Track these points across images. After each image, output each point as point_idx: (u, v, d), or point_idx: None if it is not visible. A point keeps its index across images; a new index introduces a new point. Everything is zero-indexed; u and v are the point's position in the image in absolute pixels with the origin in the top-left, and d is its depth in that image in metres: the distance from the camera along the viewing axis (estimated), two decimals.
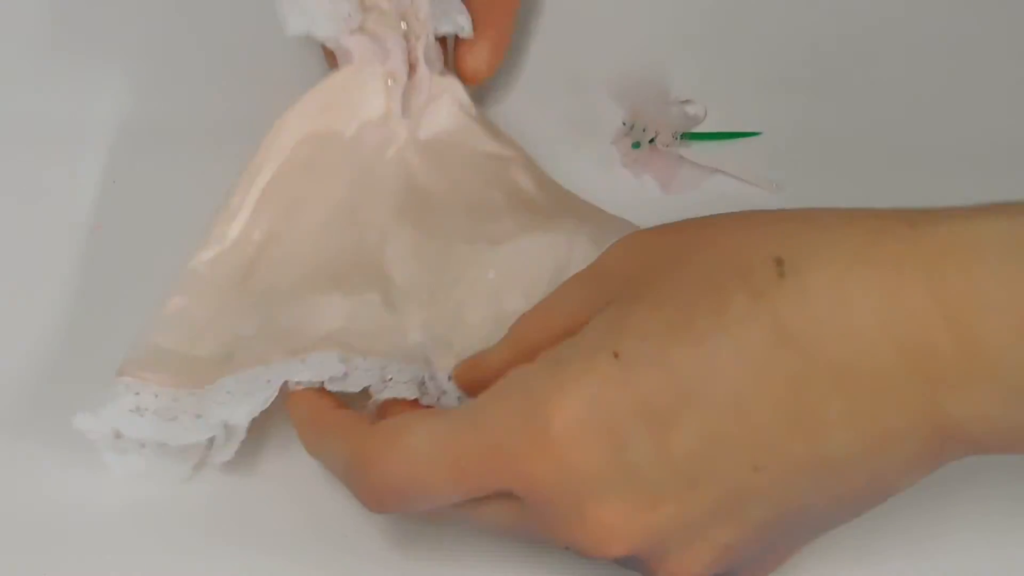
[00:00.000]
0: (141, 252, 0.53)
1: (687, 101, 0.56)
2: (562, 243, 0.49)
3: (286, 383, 0.46)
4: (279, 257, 0.49)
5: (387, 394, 0.45)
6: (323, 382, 0.45)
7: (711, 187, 0.55)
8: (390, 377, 0.46)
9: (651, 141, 0.55)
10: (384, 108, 0.52)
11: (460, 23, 0.53)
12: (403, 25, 0.52)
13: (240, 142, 0.56)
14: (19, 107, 0.58)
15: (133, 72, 0.58)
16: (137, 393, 0.46)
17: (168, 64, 0.59)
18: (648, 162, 0.55)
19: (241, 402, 0.45)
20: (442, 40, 0.54)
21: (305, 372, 0.45)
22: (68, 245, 0.54)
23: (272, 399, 0.45)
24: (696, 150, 0.55)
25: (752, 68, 0.56)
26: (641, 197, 0.54)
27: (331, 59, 0.53)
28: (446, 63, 0.54)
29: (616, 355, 0.38)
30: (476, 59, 0.54)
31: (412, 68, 0.52)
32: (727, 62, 0.56)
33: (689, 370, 0.37)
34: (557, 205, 0.51)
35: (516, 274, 0.48)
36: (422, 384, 0.46)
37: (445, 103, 0.53)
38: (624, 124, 0.56)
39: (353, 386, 0.45)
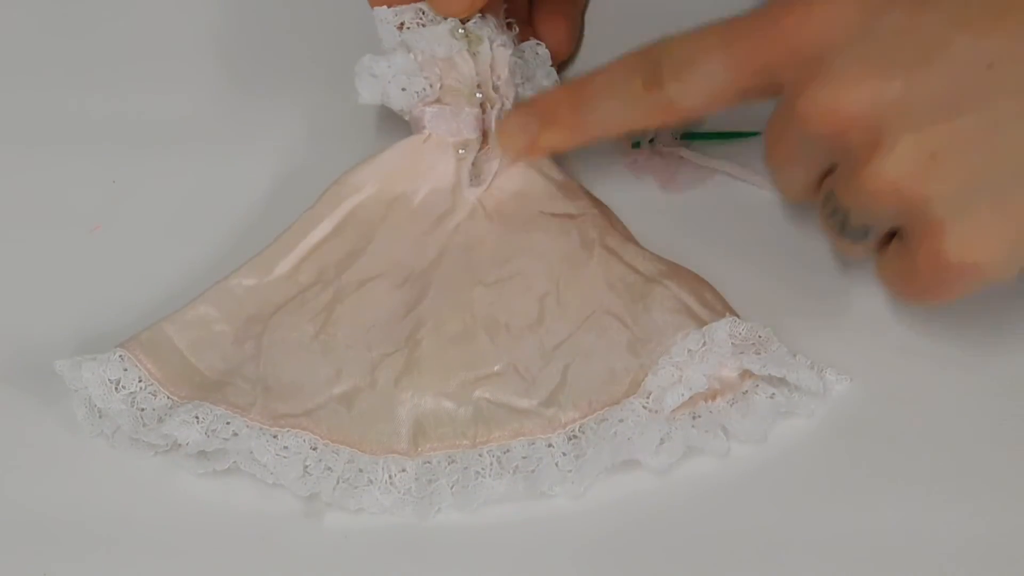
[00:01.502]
0: (141, 252, 0.54)
1: None
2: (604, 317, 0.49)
3: None
4: (316, 304, 0.50)
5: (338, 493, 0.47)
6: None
7: (711, 187, 0.55)
8: (347, 478, 0.47)
9: (651, 141, 0.55)
10: (453, 177, 0.52)
11: (545, 86, 0.53)
12: (478, 94, 0.52)
13: (240, 142, 0.56)
14: (19, 107, 0.58)
15: (133, 72, 0.59)
16: (125, 369, 0.47)
17: (168, 64, 0.59)
18: (648, 162, 0.55)
19: (199, 434, 0.46)
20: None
21: (268, 451, 0.46)
22: (68, 245, 0.54)
23: (225, 464, 0.47)
24: (696, 150, 0.55)
25: None
26: (641, 197, 0.54)
27: None
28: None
29: None
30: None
31: (486, 137, 0.52)
32: None
33: None
34: (611, 269, 0.51)
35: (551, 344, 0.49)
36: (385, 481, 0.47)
37: (519, 169, 0.52)
38: None
39: (302, 490, 0.47)
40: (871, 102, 0.41)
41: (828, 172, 0.44)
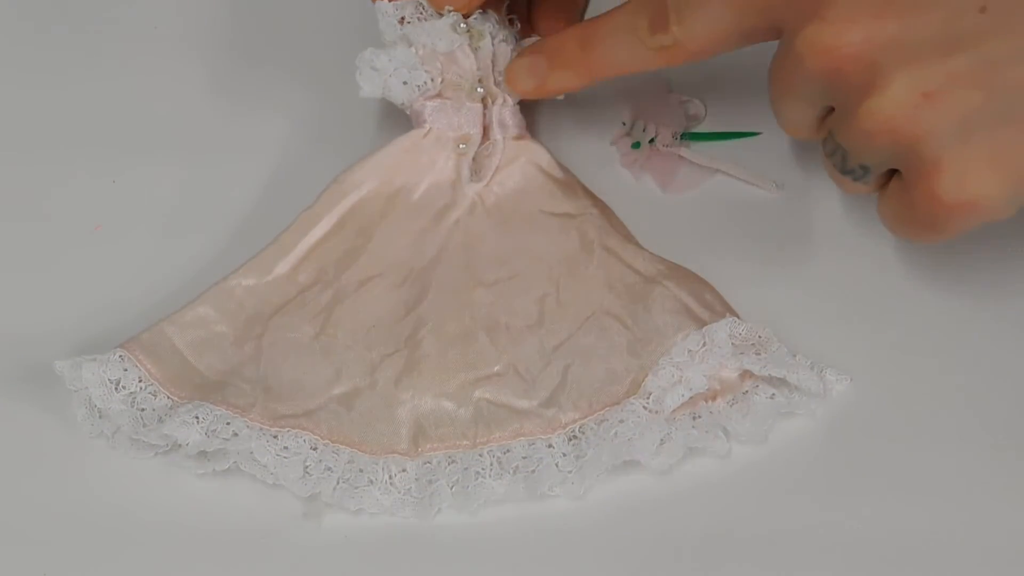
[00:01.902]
0: (141, 252, 0.54)
1: (687, 101, 0.56)
2: (600, 315, 0.49)
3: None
4: (316, 305, 0.50)
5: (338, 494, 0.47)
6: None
7: (711, 187, 0.54)
8: (347, 478, 0.47)
9: (651, 141, 0.55)
10: (453, 172, 0.52)
11: None
12: (480, 89, 0.52)
13: (240, 143, 0.56)
14: (19, 107, 0.58)
15: (133, 72, 0.59)
16: (125, 370, 0.47)
17: (168, 64, 0.59)
18: (648, 162, 0.55)
19: (198, 434, 0.46)
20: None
21: (269, 452, 0.46)
22: (68, 245, 0.54)
23: (225, 464, 0.47)
24: (696, 150, 0.55)
25: (752, 68, 0.56)
26: (641, 197, 0.54)
27: None
28: (529, 127, 0.54)
29: None
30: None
31: (486, 132, 0.52)
32: (727, 62, 0.56)
33: None
34: (611, 269, 0.51)
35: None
36: (386, 482, 0.47)
37: (520, 166, 0.52)
38: (624, 124, 0.56)
39: (302, 490, 0.47)
40: (866, 42, 0.42)
41: (829, 112, 0.45)
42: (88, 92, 0.58)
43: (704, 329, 0.48)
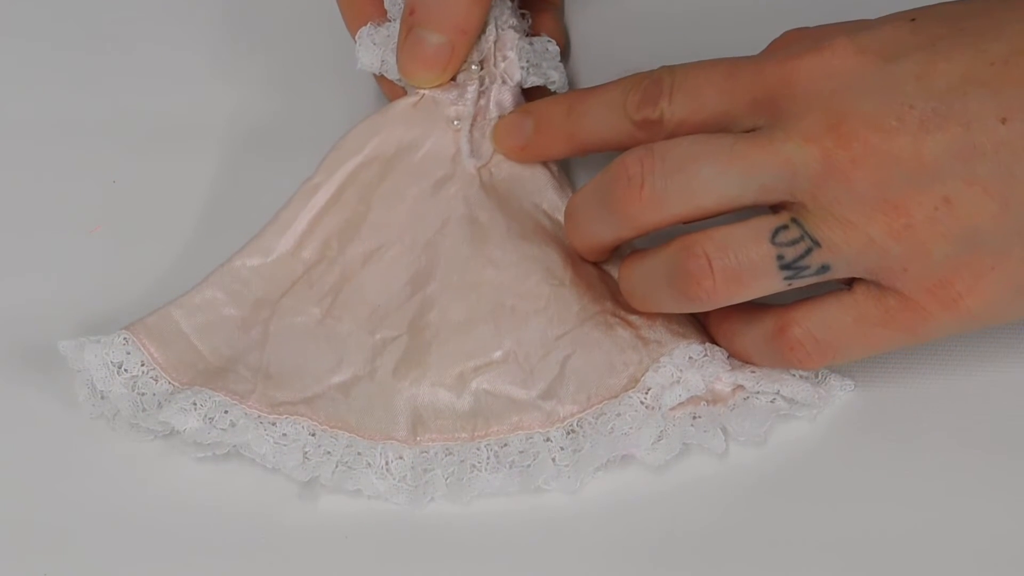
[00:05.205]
0: (141, 252, 0.54)
1: None
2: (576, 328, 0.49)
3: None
4: (324, 285, 0.50)
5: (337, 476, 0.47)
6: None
7: None
8: (346, 461, 0.47)
9: None
10: (452, 146, 0.52)
11: (552, 77, 0.53)
12: (474, 67, 0.52)
13: (241, 142, 0.56)
14: (19, 107, 0.58)
15: (133, 71, 0.59)
16: (128, 353, 0.48)
17: (168, 63, 0.59)
18: None
19: (196, 421, 0.46)
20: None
21: (266, 442, 0.46)
22: (68, 245, 0.54)
23: (224, 448, 0.47)
24: None
25: None
26: None
27: (385, 86, 0.54)
28: None
29: (912, 19, 0.43)
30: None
31: (481, 112, 0.52)
32: None
33: (974, 24, 0.42)
34: (612, 282, 0.50)
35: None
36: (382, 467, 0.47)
37: None
38: None
39: (301, 476, 0.47)
40: (888, 148, 0.41)
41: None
42: (89, 92, 0.58)
43: (706, 344, 0.48)
